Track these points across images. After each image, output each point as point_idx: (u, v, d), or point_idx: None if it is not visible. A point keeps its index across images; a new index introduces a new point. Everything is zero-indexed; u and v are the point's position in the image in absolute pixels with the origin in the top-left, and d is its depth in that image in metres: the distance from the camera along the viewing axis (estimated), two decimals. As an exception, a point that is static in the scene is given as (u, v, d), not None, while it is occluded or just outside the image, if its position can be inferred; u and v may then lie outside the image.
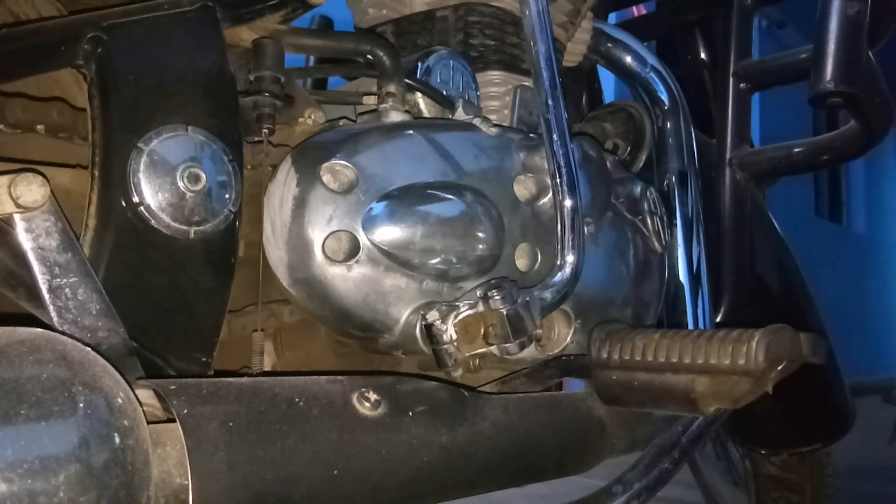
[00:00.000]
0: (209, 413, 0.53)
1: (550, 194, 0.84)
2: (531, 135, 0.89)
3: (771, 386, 0.71)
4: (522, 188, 0.84)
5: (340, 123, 0.84)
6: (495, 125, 0.87)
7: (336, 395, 0.61)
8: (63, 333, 0.54)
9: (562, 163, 0.80)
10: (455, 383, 0.72)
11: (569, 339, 0.86)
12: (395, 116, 0.82)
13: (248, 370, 0.79)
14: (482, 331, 0.74)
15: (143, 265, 0.64)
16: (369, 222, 0.73)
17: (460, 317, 0.73)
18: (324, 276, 0.73)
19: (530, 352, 0.80)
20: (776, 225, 1.40)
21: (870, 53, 1.05)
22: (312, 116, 0.83)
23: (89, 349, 0.50)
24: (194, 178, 0.66)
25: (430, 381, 0.69)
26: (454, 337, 0.72)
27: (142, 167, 0.64)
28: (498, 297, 0.72)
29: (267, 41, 0.78)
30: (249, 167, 0.78)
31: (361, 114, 0.88)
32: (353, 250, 0.73)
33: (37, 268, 0.55)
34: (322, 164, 0.74)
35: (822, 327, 1.34)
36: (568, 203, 0.80)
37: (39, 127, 0.71)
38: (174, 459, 0.52)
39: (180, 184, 0.65)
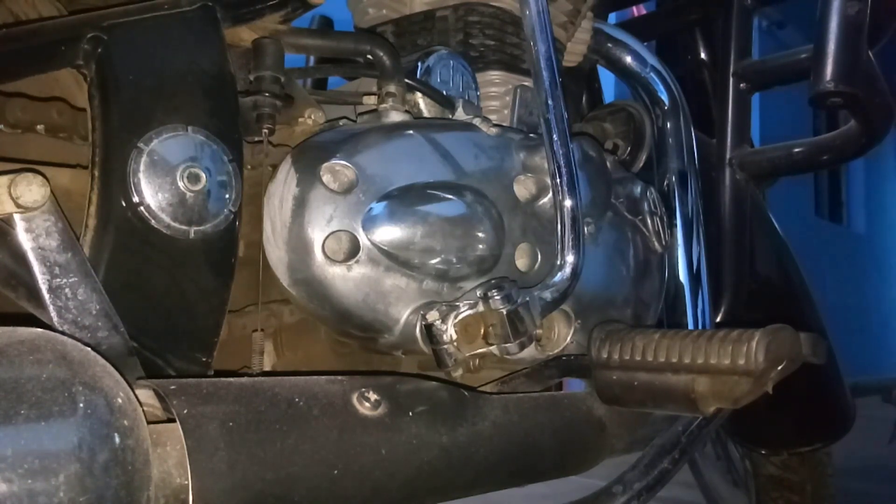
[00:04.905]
0: (209, 413, 0.53)
1: (550, 194, 0.84)
2: (531, 135, 0.89)
3: (771, 386, 0.71)
4: (522, 188, 0.84)
5: (340, 123, 0.84)
6: (495, 125, 0.87)
7: (336, 395, 0.61)
8: (63, 333, 0.54)
9: (562, 163, 0.80)
10: (455, 383, 0.72)
11: (569, 339, 0.86)
12: (395, 116, 0.82)
13: (248, 370, 0.79)
14: (482, 331, 0.74)
15: (143, 265, 0.64)
16: (369, 222, 0.73)
17: (460, 317, 0.73)
18: (324, 276, 0.73)
19: (530, 352, 0.80)
20: (776, 225, 1.40)
21: (870, 53, 1.05)
22: (312, 116, 0.83)
23: (89, 349, 0.50)
24: (194, 178, 0.66)
25: (430, 381, 0.69)
26: (454, 337, 0.72)
27: (142, 167, 0.64)
28: (498, 297, 0.72)
29: (267, 41, 0.78)
30: (249, 167, 0.78)
31: (361, 114, 0.88)
32: (353, 250, 0.73)
33: (37, 268, 0.55)
34: (322, 164, 0.74)
35: (822, 327, 1.34)
36: (568, 203, 0.80)
37: (39, 127, 0.71)
38: (174, 459, 0.52)
39: (180, 184, 0.65)
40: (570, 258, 0.79)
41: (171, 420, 0.52)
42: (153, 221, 0.64)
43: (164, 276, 0.65)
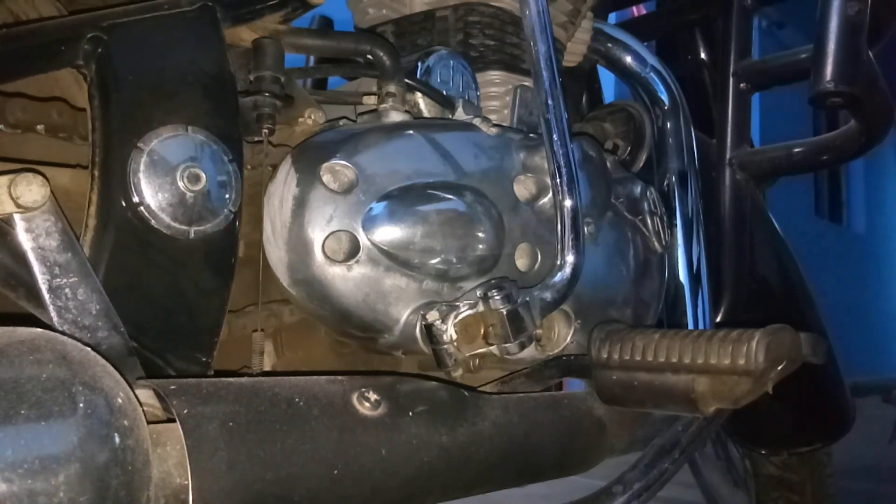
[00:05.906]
0: (209, 413, 0.53)
1: (550, 194, 0.84)
2: (531, 135, 0.89)
3: (771, 386, 0.71)
4: (522, 188, 0.84)
5: (340, 123, 0.84)
6: (495, 125, 0.87)
7: (336, 395, 0.61)
8: (63, 333, 0.54)
9: (562, 163, 0.80)
10: (455, 383, 0.72)
11: (569, 339, 0.86)
12: (395, 116, 0.82)
13: (248, 370, 0.79)
14: (482, 331, 0.74)
15: (143, 265, 0.64)
16: (369, 222, 0.73)
17: (460, 317, 0.73)
18: (324, 276, 0.73)
19: (530, 352, 0.80)
20: (776, 225, 1.40)
21: (870, 53, 1.05)
22: (312, 116, 0.83)
23: (89, 349, 0.50)
24: (194, 178, 0.66)
25: (430, 381, 0.69)
26: (454, 337, 0.72)
27: (142, 167, 0.64)
28: (498, 297, 0.72)
29: (267, 41, 0.78)
30: (249, 167, 0.78)
31: (361, 114, 0.88)
32: (353, 250, 0.73)
33: (37, 268, 0.55)
34: (322, 164, 0.74)
35: (822, 327, 1.34)
36: (568, 203, 0.80)
37: (39, 127, 0.71)
38: (174, 459, 0.52)
39: (180, 184, 0.65)
40: (570, 258, 0.79)
41: (171, 420, 0.52)
42: (153, 221, 0.64)
43: (164, 276, 0.65)
